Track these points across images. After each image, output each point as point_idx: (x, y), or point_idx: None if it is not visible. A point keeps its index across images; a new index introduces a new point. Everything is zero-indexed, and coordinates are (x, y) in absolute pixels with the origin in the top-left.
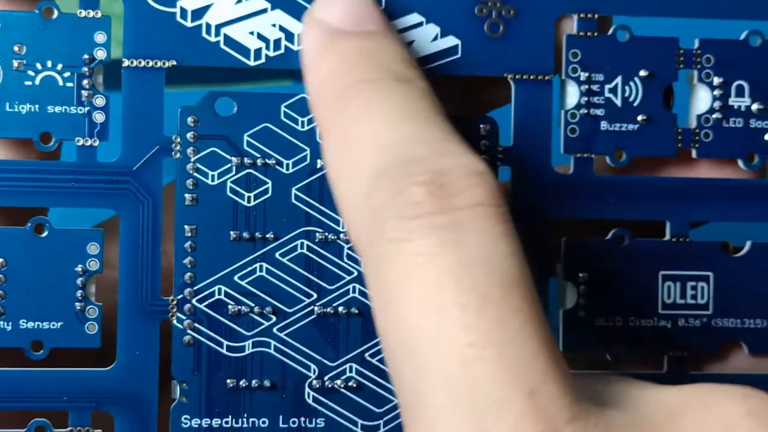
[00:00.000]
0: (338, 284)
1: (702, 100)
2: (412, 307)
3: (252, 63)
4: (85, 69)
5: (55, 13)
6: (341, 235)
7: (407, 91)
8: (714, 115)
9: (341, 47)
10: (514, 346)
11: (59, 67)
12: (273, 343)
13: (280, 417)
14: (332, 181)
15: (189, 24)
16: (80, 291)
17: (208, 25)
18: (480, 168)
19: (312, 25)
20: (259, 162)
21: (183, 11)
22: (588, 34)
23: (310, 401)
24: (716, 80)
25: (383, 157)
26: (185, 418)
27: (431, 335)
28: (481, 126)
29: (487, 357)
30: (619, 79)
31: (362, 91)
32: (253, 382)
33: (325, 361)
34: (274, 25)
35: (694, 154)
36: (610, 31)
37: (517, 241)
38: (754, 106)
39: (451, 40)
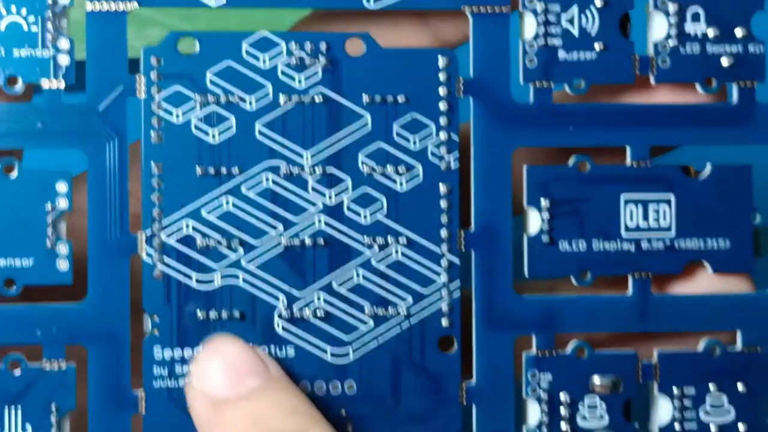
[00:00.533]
0: (304, 216)
1: (658, 27)
2: None
3: (213, 4)
4: (49, 13)
5: None
6: (306, 168)
7: None
8: (670, 42)
9: (228, 419)
10: None
11: (23, 11)
12: (241, 275)
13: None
14: None
15: None
16: (51, 229)
17: None
18: None
19: (195, 397)
20: (222, 99)
21: None
22: None
23: (279, 330)
24: (672, 7)
25: None
26: (157, 350)
27: None
28: (440, 57)
29: None
30: (575, 9)
31: None
32: (223, 313)
33: (293, 291)
34: None
35: (652, 80)
36: None
37: None
38: (710, 32)
39: None
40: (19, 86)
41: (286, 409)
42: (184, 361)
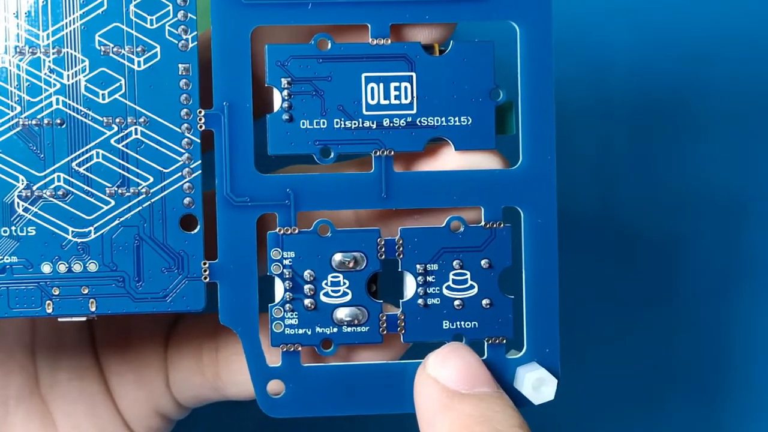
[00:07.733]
0: (41, 96)
1: None
2: None
3: None
4: None
5: None
6: (42, 48)
7: None
8: None
9: (460, 409)
10: None
11: None
12: None
13: None
14: None
15: None
16: None
17: None
18: None
19: (428, 382)
20: None
21: None
22: None
23: (20, 211)
24: None
25: None
26: None
27: None
28: None
29: None
30: None
31: None
32: None
33: (33, 171)
34: None
35: None
36: None
37: None
38: None
39: None
40: None
41: (512, 421)
42: None
